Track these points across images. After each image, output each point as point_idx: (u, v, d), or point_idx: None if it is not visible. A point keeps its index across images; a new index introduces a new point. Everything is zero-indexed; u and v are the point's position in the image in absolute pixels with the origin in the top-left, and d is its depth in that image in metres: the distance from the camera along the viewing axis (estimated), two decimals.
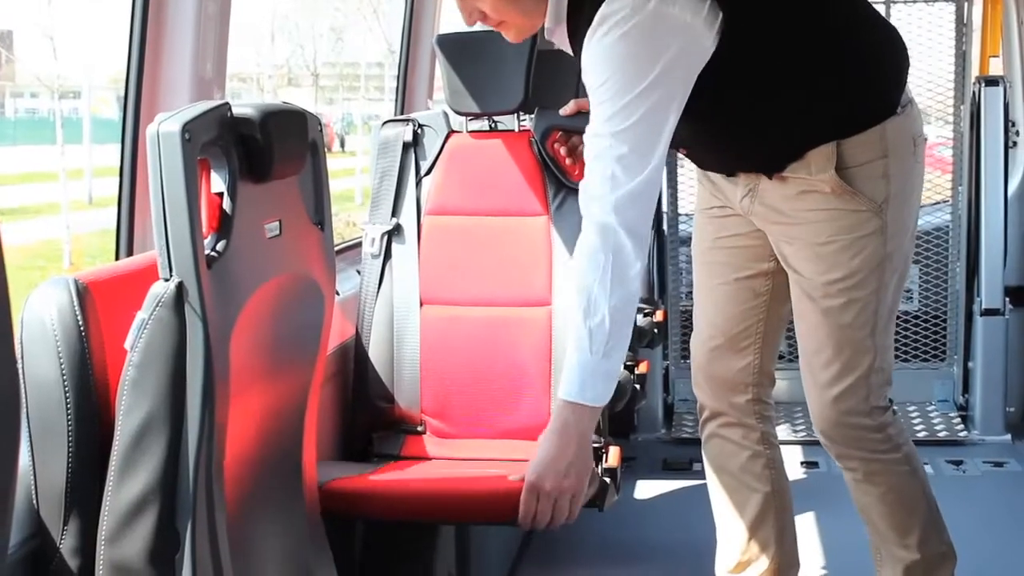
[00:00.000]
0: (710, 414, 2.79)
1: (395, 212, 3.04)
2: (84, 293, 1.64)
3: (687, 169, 4.97)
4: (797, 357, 5.08)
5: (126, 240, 2.19)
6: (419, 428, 2.91)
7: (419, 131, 3.10)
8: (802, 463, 4.51)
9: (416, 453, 2.89)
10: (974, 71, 5.03)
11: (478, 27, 2.28)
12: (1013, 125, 4.95)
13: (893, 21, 5.06)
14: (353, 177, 21.49)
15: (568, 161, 2.80)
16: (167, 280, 1.58)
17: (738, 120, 2.38)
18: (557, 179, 3.01)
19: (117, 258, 2.19)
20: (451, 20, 3.96)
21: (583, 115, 2.73)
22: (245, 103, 1.71)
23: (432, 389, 2.93)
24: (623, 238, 2.14)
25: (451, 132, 3.11)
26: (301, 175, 1.87)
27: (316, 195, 1.93)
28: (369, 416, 2.91)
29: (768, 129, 2.42)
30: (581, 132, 2.69)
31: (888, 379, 2.59)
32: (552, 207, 3.00)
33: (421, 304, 2.98)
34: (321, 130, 1.91)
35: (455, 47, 3.03)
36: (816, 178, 2.43)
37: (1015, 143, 4.99)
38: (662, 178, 2.21)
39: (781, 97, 2.37)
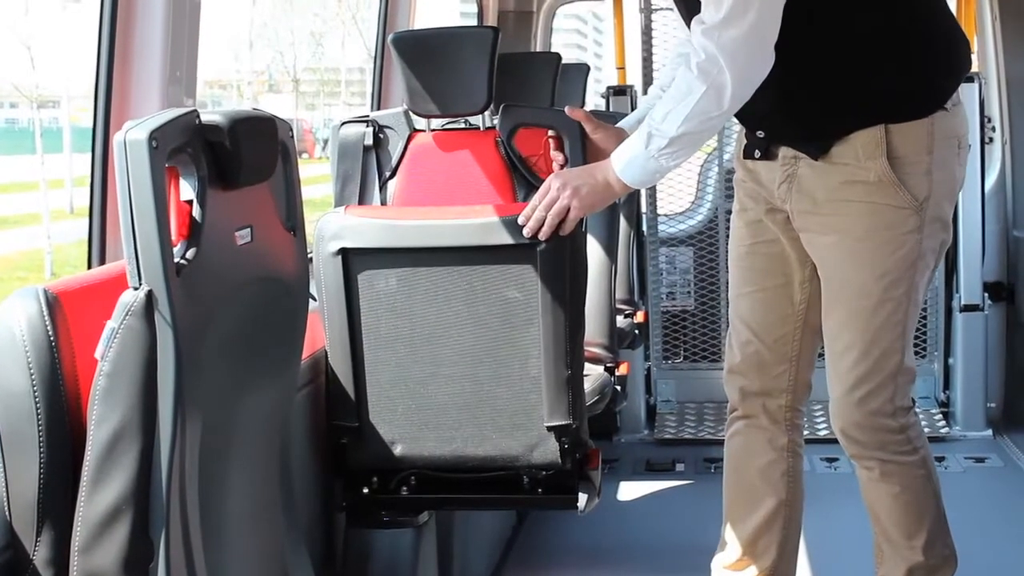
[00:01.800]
0: (740, 414, 2.79)
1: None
2: (54, 303, 1.63)
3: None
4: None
5: (98, 249, 2.18)
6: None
7: (380, 133, 3.02)
8: None
9: None
10: None
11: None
12: (989, 121, 4.97)
13: None
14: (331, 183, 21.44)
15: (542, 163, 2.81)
16: (136, 289, 1.57)
17: (799, 61, 2.37)
18: (525, 178, 2.96)
19: (89, 267, 2.18)
20: (425, 23, 3.95)
21: (551, 111, 2.85)
22: (213, 110, 1.70)
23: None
24: (726, 79, 2.29)
25: (414, 132, 3.04)
26: (272, 181, 1.86)
27: (288, 200, 1.92)
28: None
29: (822, 81, 2.41)
30: (548, 127, 2.72)
31: (912, 377, 2.59)
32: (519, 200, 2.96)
33: None
34: (292, 135, 1.90)
35: (413, 46, 2.92)
36: (864, 165, 2.43)
37: (991, 139, 5.01)
38: (770, 35, 2.29)
39: (844, 49, 2.38)
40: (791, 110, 2.46)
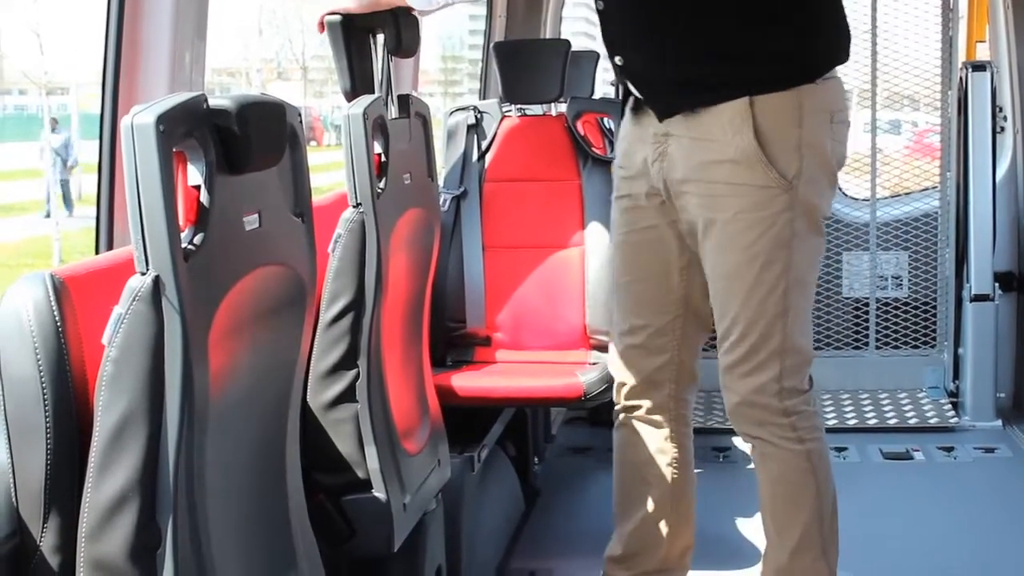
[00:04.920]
0: (624, 406, 2.76)
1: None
2: (61, 288, 1.62)
3: None
4: None
5: (106, 234, 2.17)
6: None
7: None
8: None
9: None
10: (961, 57, 5.02)
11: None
12: (1000, 110, 4.95)
13: (880, 8, 5.05)
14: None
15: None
16: (144, 274, 1.56)
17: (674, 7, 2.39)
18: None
19: (97, 252, 2.17)
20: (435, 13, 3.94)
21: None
22: (222, 95, 1.69)
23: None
24: None
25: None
26: (280, 166, 1.84)
27: (296, 186, 1.90)
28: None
29: (693, 27, 2.42)
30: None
31: (806, 360, 2.55)
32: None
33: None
34: (300, 120, 1.89)
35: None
36: (731, 142, 2.41)
37: (1003, 128, 4.98)
38: None
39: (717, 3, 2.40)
40: (660, 46, 2.45)
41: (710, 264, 2.53)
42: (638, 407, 2.74)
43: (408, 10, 2.74)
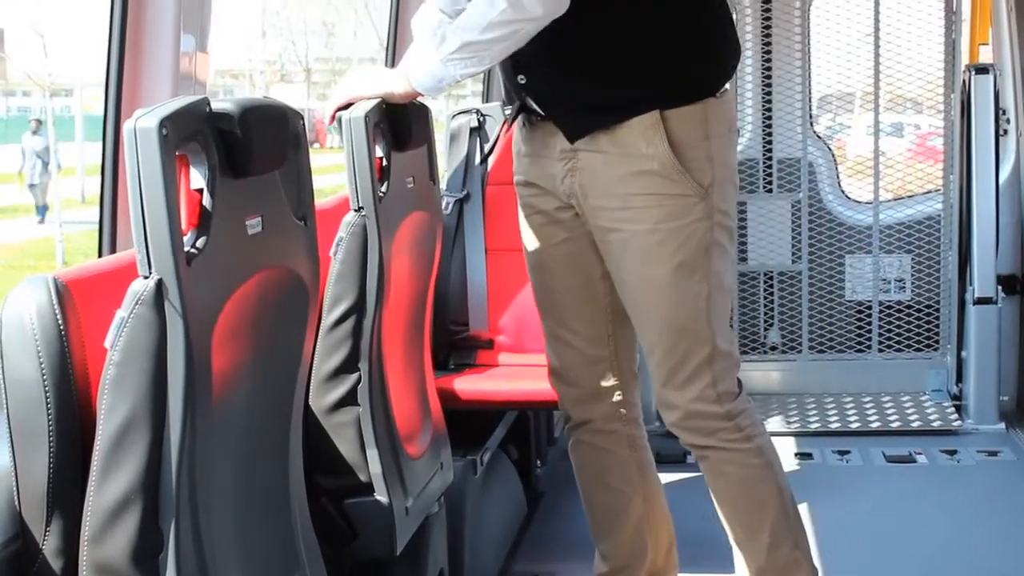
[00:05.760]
0: (575, 422, 2.75)
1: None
2: (64, 292, 1.63)
3: None
4: (788, 349, 5.08)
5: (109, 238, 2.17)
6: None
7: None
8: (796, 454, 4.50)
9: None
10: (964, 59, 5.02)
11: None
12: (1003, 113, 4.95)
13: (883, 11, 5.05)
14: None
15: None
16: (146, 278, 1.56)
17: (580, 36, 2.40)
18: None
19: (100, 256, 2.18)
20: None
21: None
22: (224, 98, 1.69)
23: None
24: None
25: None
26: (283, 170, 1.84)
27: (299, 190, 1.90)
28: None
29: (600, 54, 2.42)
30: None
31: (735, 362, 2.56)
32: None
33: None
34: (303, 124, 1.89)
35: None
36: (647, 153, 2.42)
37: (1005, 131, 4.98)
38: None
39: (624, 29, 2.41)
40: (572, 73, 2.46)
41: (630, 276, 2.52)
42: (589, 421, 2.74)
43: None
